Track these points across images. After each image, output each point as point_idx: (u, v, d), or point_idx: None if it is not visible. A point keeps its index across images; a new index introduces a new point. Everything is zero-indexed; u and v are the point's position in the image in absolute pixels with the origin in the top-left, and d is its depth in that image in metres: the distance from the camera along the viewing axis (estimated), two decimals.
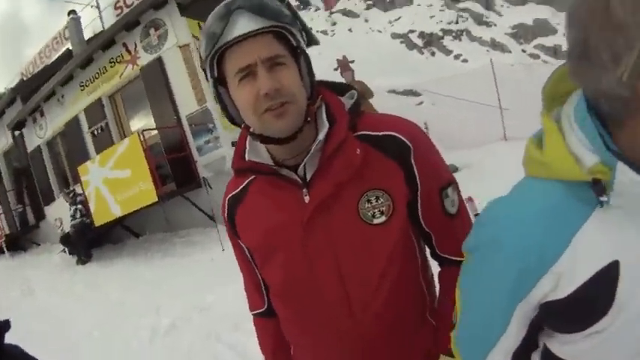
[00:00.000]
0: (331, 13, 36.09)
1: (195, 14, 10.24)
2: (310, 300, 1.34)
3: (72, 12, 13.36)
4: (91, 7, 13.56)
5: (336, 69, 15.53)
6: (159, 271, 8.10)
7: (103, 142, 11.65)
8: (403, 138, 1.31)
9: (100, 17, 13.11)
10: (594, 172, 0.82)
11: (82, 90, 12.26)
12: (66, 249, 10.81)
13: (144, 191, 9.23)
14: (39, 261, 11.93)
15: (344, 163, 1.27)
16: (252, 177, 1.39)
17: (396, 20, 35.02)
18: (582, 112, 0.86)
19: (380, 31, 34.73)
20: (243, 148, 1.36)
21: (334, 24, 36.45)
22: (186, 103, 10.42)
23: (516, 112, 14.25)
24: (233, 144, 9.64)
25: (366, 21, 36.64)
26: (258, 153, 1.35)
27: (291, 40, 1.23)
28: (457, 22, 31.90)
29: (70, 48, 13.30)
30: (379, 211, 1.29)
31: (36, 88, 13.38)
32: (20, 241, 15.09)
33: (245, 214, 1.42)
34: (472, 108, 15.93)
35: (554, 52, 26.49)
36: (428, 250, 1.48)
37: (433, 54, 30.97)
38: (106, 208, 9.78)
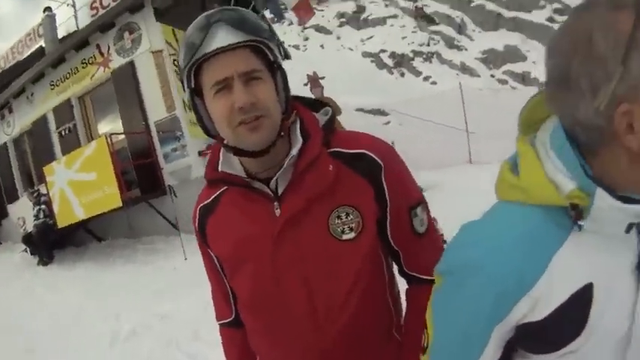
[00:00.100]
0: (304, 28, 36.16)
1: (170, 20, 10.24)
2: (277, 312, 1.34)
3: (47, 9, 13.12)
4: (67, 5, 13.33)
5: (306, 84, 15.58)
6: (120, 276, 8.01)
7: (70, 143, 11.51)
8: (375, 156, 1.33)
9: (75, 16, 12.91)
10: (572, 198, 0.86)
11: (52, 89, 12.11)
12: (28, 249, 10.61)
13: (108, 195, 9.13)
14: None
15: (316, 178, 1.29)
16: (225, 188, 1.40)
17: (368, 39, 35.21)
18: (560, 140, 0.89)
19: (351, 49, 34.86)
20: (216, 159, 1.37)
21: (307, 39, 36.49)
22: (156, 110, 10.35)
23: (482, 136, 14.48)
24: (200, 153, 9.68)
25: (339, 38, 36.76)
26: (231, 165, 1.37)
27: (269, 55, 1.26)
28: (428, 45, 32.23)
29: (43, 46, 13.08)
30: (349, 227, 1.30)
31: (6, 84, 13.14)
32: None
33: (216, 224, 1.43)
34: (439, 130, 16.13)
35: (522, 78, 26.97)
36: (395, 268, 1.50)
37: (403, 74, 31.20)
38: (70, 210, 9.64)
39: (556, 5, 29.51)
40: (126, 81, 10.65)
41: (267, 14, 13.68)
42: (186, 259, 8.14)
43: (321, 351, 1.33)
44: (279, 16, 14.66)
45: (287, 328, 1.35)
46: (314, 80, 15.76)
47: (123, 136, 10.61)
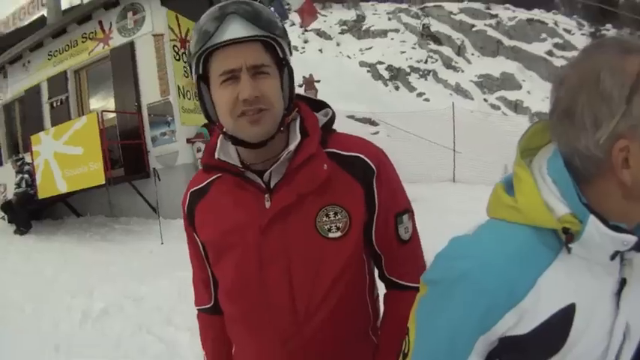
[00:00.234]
0: (305, 30, 36.22)
1: (175, 6, 10.26)
2: (257, 302, 1.36)
3: None
4: None
5: (300, 85, 15.63)
6: (96, 253, 7.92)
7: (61, 115, 11.43)
8: (369, 161, 1.36)
9: None
10: (564, 222, 0.90)
11: (49, 59, 12.00)
12: (5, 216, 10.44)
13: (93, 172, 9.04)
14: None
15: (309, 175, 1.31)
16: (218, 175, 1.42)
17: (367, 49, 35.36)
18: (558, 166, 0.94)
19: (349, 57, 34.97)
20: (214, 146, 1.38)
21: (306, 42, 36.54)
22: (150, 92, 10.32)
23: (468, 157, 14.61)
24: (188, 140, 9.65)
25: (338, 45, 36.89)
26: (228, 153, 1.38)
27: (279, 52, 1.27)
28: (426, 62, 32.43)
29: (45, 15, 12.96)
30: (336, 226, 1.33)
31: (4, 49, 12.96)
32: None
33: (205, 209, 1.45)
34: (426, 146, 16.18)
35: (514, 106, 27.19)
36: (376, 272, 1.52)
37: (397, 88, 31.33)
38: (52, 182, 9.53)
39: (557, 40, 29.87)
40: (124, 60, 10.60)
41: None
42: (162, 243, 8.13)
43: (297, 344, 1.35)
44: (283, 16, 14.71)
45: (265, 318, 1.36)
46: (309, 82, 15.80)
47: (113, 115, 10.56)
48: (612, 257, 0.93)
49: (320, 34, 37.76)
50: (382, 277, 1.51)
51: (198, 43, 1.23)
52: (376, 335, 1.51)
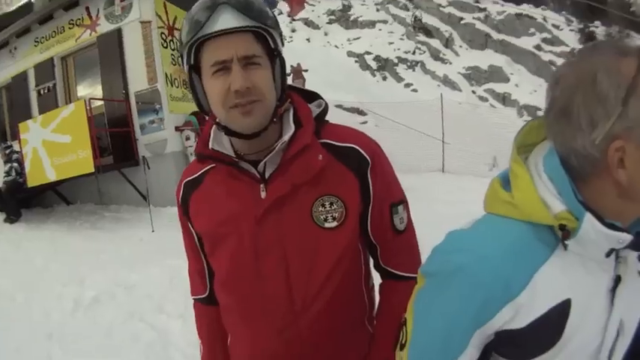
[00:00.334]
0: (293, 20, 36.13)
1: None
2: (253, 292, 1.37)
3: None
4: None
5: (288, 74, 15.64)
6: (86, 242, 7.89)
7: (48, 102, 11.30)
8: (363, 152, 1.37)
9: None
10: (560, 219, 0.92)
11: (35, 46, 11.86)
12: None
13: (81, 160, 8.97)
14: None
15: (304, 166, 1.32)
16: (212, 165, 1.42)
17: (355, 39, 35.36)
18: (554, 164, 0.96)
19: (337, 47, 34.95)
20: (207, 136, 1.38)
21: (294, 31, 36.46)
22: (137, 80, 10.26)
23: (457, 147, 14.69)
24: (177, 128, 9.62)
25: (326, 34, 36.86)
26: (221, 143, 1.38)
27: (270, 43, 1.27)
28: (414, 53, 32.48)
29: (32, 1, 12.78)
30: (332, 216, 1.34)
31: None
32: None
33: (200, 199, 1.45)
34: (415, 136, 16.23)
35: (502, 99, 27.32)
36: (371, 262, 1.54)
37: (385, 78, 31.38)
38: (41, 170, 9.45)
39: (545, 35, 30.01)
40: (111, 47, 10.52)
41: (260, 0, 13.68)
42: (153, 231, 8.12)
43: (293, 334, 1.36)
44: (272, 4, 14.65)
45: (261, 308, 1.37)
46: (297, 72, 15.80)
47: (101, 102, 10.46)
48: (607, 254, 0.95)
49: (308, 23, 37.68)
50: (377, 267, 1.53)
51: (189, 33, 1.22)
52: (372, 325, 1.53)
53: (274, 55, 1.29)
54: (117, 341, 4.58)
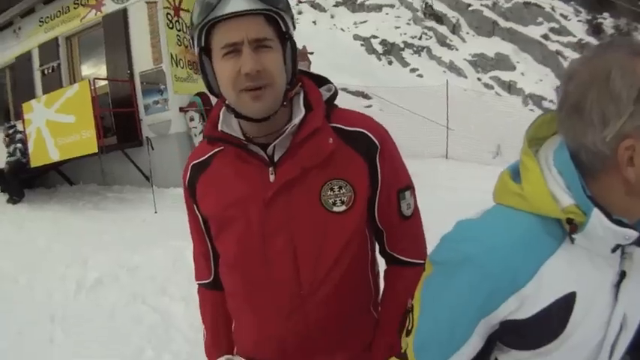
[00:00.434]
0: (299, 1, 35.92)
1: None
2: (261, 276, 1.37)
3: None
4: None
5: None
6: (89, 222, 7.89)
7: (52, 82, 11.26)
8: (373, 137, 1.38)
9: None
10: (568, 213, 0.94)
11: (40, 26, 11.78)
12: None
13: (85, 140, 8.95)
14: None
15: (314, 149, 1.32)
16: (220, 148, 1.42)
17: (361, 23, 35.07)
18: (564, 159, 0.97)
19: (343, 30, 34.71)
20: (217, 117, 1.38)
21: (300, 13, 36.19)
22: (142, 60, 10.19)
23: (461, 134, 14.66)
24: (181, 109, 9.59)
25: (332, 17, 36.56)
26: (230, 126, 1.38)
27: (282, 26, 1.26)
28: (420, 39, 32.21)
29: None
30: (340, 200, 1.34)
31: None
32: None
33: (208, 182, 1.44)
34: (419, 121, 16.21)
35: (508, 87, 27.12)
36: (377, 248, 1.55)
37: (390, 63, 31.19)
38: (45, 150, 9.44)
39: (553, 25, 29.73)
40: (116, 28, 10.43)
41: None
42: (156, 212, 8.11)
43: (299, 318, 1.36)
44: None
45: (268, 293, 1.37)
46: (303, 54, 15.66)
47: (105, 82, 10.43)
48: (613, 250, 0.96)
49: (314, 5, 37.39)
50: (383, 253, 1.54)
51: (200, 14, 1.21)
52: (377, 311, 1.54)
53: (285, 39, 1.29)
54: (119, 324, 4.61)
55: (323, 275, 1.35)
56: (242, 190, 1.36)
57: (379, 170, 1.38)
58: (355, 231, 1.38)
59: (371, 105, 19.97)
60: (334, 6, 37.95)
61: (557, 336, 0.99)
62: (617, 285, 1.00)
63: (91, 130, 8.91)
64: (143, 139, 10.00)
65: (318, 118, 1.33)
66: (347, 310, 1.42)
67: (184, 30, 10.16)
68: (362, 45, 32.64)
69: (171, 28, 10.13)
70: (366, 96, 21.14)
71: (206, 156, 1.46)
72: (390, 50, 31.92)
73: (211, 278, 1.61)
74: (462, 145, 14.10)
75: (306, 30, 30.13)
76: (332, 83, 1.49)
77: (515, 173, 1.07)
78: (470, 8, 32.49)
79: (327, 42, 28.11)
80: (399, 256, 1.49)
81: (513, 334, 1.02)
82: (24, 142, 9.94)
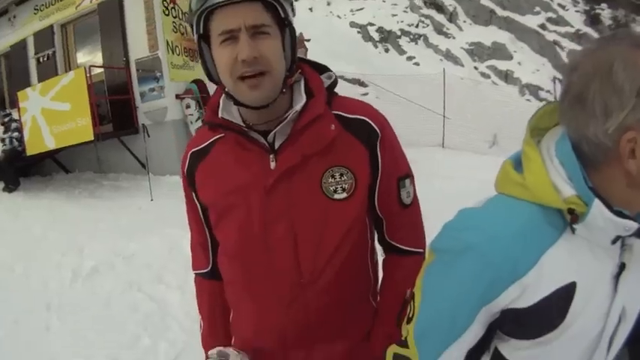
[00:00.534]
0: None
1: None
2: (261, 264, 1.36)
3: None
4: None
5: None
6: (84, 210, 7.88)
7: (48, 70, 11.20)
8: (374, 124, 1.38)
9: None
10: (570, 203, 0.94)
11: (35, 13, 11.68)
12: None
13: (81, 128, 8.91)
14: None
15: (315, 136, 1.32)
16: (219, 135, 1.41)
17: (358, 10, 34.93)
18: (566, 150, 0.97)
19: (339, 17, 34.57)
20: (217, 104, 1.38)
21: (296, 0, 36.16)
22: (138, 47, 10.13)
23: (458, 123, 14.64)
24: (177, 97, 9.55)
25: (329, 4, 36.39)
26: (230, 112, 1.37)
27: (280, 12, 1.25)
28: (417, 26, 32.09)
29: None
30: (341, 187, 1.33)
31: None
32: None
33: (207, 170, 1.43)
34: (415, 110, 16.16)
35: (505, 76, 27.08)
36: (376, 237, 1.55)
37: (387, 50, 31.09)
38: (40, 138, 9.41)
39: (550, 14, 29.67)
40: (112, 15, 10.37)
41: None
42: (152, 200, 8.11)
43: (299, 307, 1.36)
44: None
45: (269, 281, 1.37)
46: (300, 41, 15.56)
47: (101, 70, 10.37)
48: (614, 241, 0.97)
49: None
50: (382, 241, 1.54)
51: (198, 1, 1.21)
52: (375, 300, 1.54)
53: (284, 25, 1.28)
54: (115, 312, 4.61)
55: (323, 263, 1.34)
56: (242, 177, 1.35)
57: (380, 158, 1.38)
58: (356, 218, 1.38)
59: (367, 93, 19.91)
60: None
61: (557, 326, 0.99)
62: (617, 277, 1.00)
63: (86, 117, 8.86)
64: (139, 126, 9.96)
65: (320, 104, 1.33)
66: (347, 298, 1.42)
67: (180, 17, 10.13)
68: (358, 32, 32.51)
69: (167, 15, 10.07)
70: (362, 84, 21.07)
71: (205, 144, 1.45)
72: (387, 38, 31.81)
73: (209, 267, 1.60)
74: (458, 134, 14.09)
75: (303, 17, 29.99)
76: (331, 71, 1.48)
77: (517, 163, 1.07)
78: None
79: (323, 29, 27.99)
80: (398, 245, 1.49)
81: (514, 322, 1.02)
82: (19, 130, 9.90)
